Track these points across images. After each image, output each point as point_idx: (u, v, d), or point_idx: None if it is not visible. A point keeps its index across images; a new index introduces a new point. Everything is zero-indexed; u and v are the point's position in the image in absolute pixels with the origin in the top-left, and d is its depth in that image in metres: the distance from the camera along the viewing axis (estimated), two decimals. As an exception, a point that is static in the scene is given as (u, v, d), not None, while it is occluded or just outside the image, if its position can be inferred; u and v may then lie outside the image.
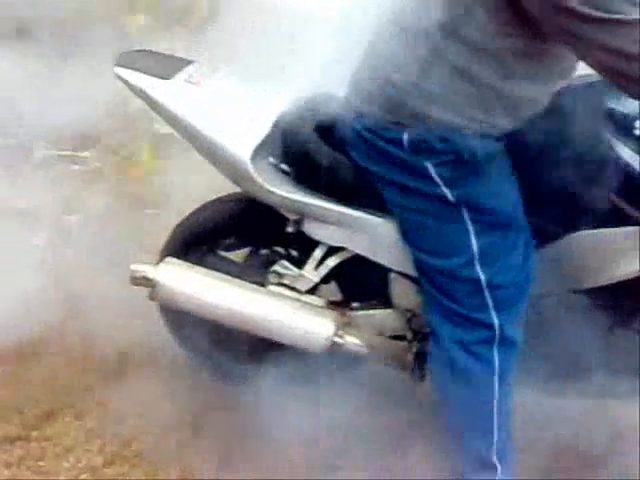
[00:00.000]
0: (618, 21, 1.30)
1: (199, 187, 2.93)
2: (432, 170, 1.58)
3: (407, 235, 1.71)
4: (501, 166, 1.63)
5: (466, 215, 1.61)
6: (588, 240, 1.67)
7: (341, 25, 1.77)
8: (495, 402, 1.69)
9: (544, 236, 1.69)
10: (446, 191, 1.60)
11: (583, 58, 1.44)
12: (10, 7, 3.51)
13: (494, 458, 1.73)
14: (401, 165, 1.61)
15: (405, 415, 2.08)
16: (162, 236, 2.75)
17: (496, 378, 1.68)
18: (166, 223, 2.80)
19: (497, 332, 1.66)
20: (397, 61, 1.52)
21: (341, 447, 2.05)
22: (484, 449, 1.73)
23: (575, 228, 1.67)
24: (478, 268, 1.63)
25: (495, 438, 1.72)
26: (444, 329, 1.70)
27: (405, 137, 1.57)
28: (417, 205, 1.65)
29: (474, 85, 1.51)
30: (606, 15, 1.30)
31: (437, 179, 1.59)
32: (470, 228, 1.62)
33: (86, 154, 3.12)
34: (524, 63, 1.50)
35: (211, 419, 2.10)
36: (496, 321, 1.65)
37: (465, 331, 1.67)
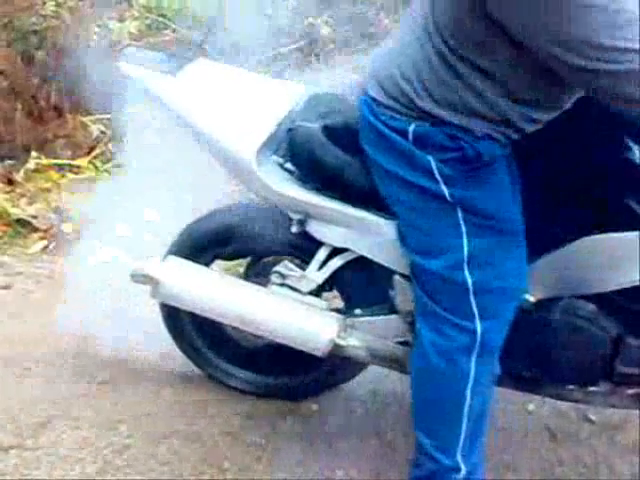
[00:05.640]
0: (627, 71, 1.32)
1: (192, 193, 2.96)
2: (434, 165, 1.59)
3: (402, 234, 1.71)
4: (504, 172, 1.63)
5: (460, 215, 1.61)
6: (600, 244, 1.64)
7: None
8: (466, 407, 1.68)
9: (556, 239, 1.67)
10: (444, 189, 1.60)
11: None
12: None
13: (458, 458, 1.72)
14: (404, 156, 1.61)
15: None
16: (156, 243, 2.78)
17: (469, 387, 1.66)
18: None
19: (478, 341, 1.64)
20: (415, 60, 1.54)
21: (337, 454, 2.06)
22: (448, 450, 1.72)
23: (588, 232, 1.65)
24: (466, 271, 1.62)
25: (461, 442, 1.70)
26: (425, 331, 1.69)
27: (411, 129, 1.58)
28: (413, 201, 1.65)
29: (486, 103, 1.52)
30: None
31: (437, 175, 1.59)
32: (463, 229, 1.61)
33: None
34: (533, 92, 1.52)
35: (205, 427, 2.10)
36: (479, 329, 1.64)
37: (446, 337, 1.66)
